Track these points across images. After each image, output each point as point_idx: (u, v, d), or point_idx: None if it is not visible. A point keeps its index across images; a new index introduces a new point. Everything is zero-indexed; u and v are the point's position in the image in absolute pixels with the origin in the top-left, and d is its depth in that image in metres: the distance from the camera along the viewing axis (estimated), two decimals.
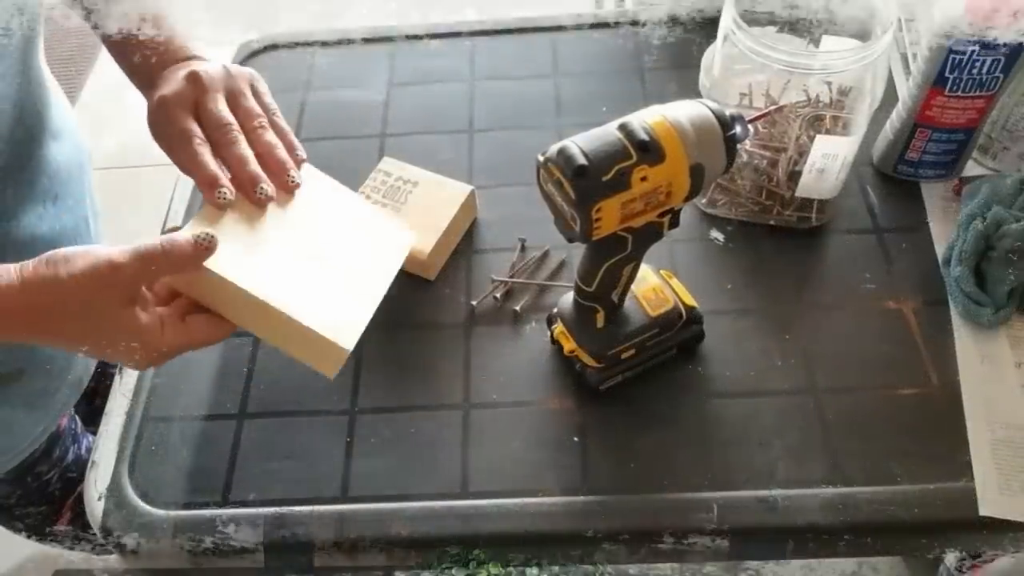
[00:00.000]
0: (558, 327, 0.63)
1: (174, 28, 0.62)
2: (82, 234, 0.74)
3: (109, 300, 0.49)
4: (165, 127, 0.57)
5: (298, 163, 0.60)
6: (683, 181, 0.51)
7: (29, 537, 0.88)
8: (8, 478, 0.75)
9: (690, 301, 0.63)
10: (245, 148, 0.57)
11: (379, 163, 0.75)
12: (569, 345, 0.62)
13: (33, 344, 0.54)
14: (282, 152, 0.59)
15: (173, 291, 0.55)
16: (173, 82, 0.58)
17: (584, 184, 0.49)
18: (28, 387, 0.69)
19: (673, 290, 0.63)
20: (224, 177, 0.56)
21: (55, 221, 0.68)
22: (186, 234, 0.50)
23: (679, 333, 0.63)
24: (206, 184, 0.55)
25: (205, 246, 0.50)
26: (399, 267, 0.64)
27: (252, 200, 0.57)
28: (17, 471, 0.74)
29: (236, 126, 0.57)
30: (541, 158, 0.51)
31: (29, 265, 0.48)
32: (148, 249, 0.49)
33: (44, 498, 0.81)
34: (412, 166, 0.75)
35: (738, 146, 0.53)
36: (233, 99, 0.59)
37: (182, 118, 0.57)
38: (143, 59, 0.61)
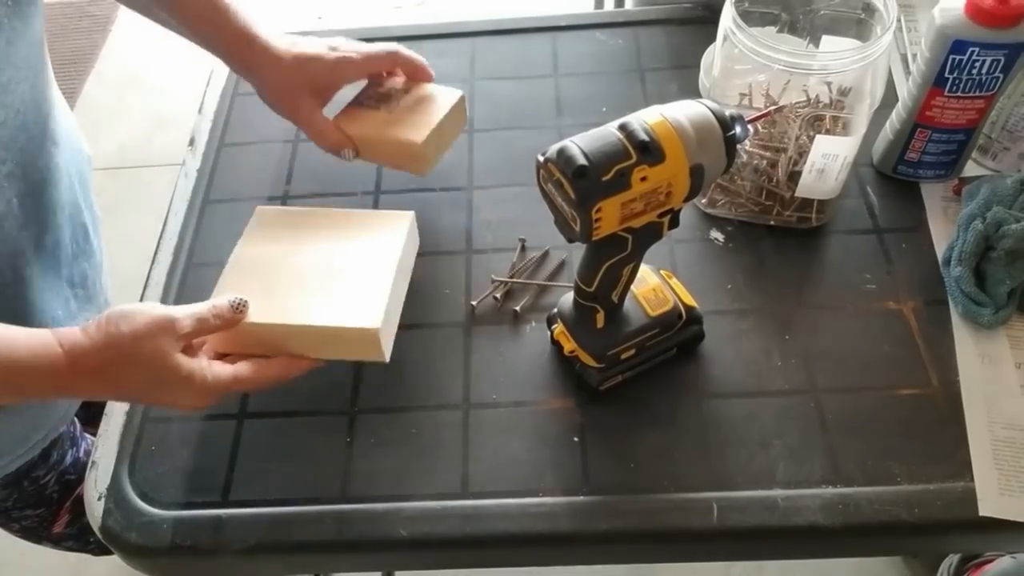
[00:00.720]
0: (558, 327, 0.63)
1: None
2: (79, 243, 0.73)
3: (168, 347, 0.54)
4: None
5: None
6: (683, 181, 0.51)
7: (26, 539, 0.88)
8: (3, 483, 0.75)
9: (690, 301, 0.63)
10: None
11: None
12: (569, 345, 0.62)
13: (89, 397, 0.59)
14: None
15: (218, 353, 0.61)
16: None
17: (584, 184, 0.49)
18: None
19: (673, 290, 0.63)
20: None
21: (58, 232, 0.68)
22: (224, 300, 0.59)
23: (679, 333, 0.63)
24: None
25: (240, 309, 0.59)
26: (403, 242, 0.66)
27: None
28: (14, 476, 0.74)
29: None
30: (541, 158, 0.51)
31: (92, 327, 0.54)
32: (199, 309, 0.58)
33: (42, 501, 0.81)
34: (401, 78, 0.78)
35: (738, 146, 0.53)
36: None
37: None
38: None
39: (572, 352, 0.62)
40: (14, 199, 0.62)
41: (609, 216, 0.51)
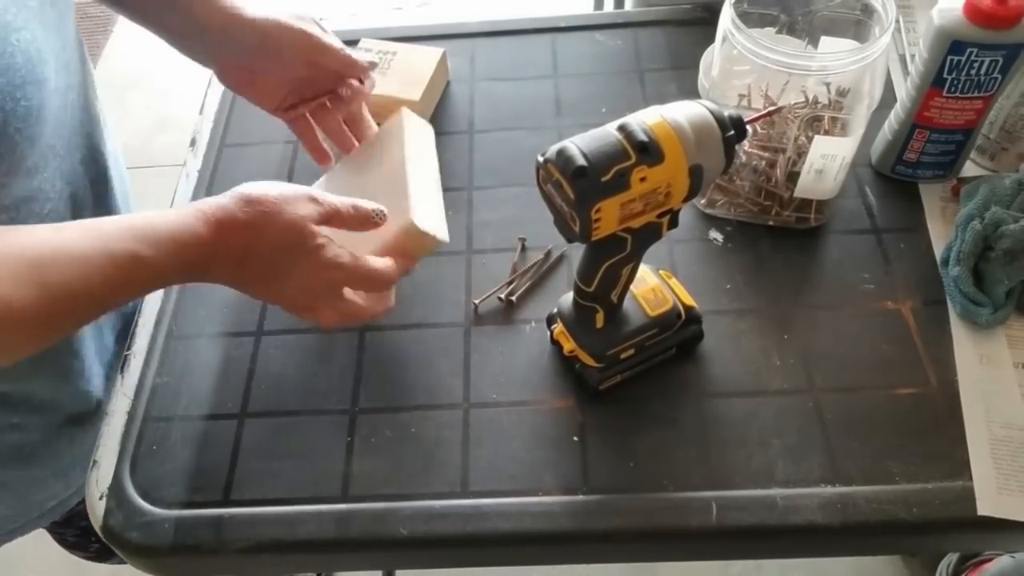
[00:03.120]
0: (558, 327, 0.64)
1: None
2: None
3: (307, 212, 0.54)
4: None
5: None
6: (682, 182, 0.51)
7: (97, 559, 0.89)
8: (60, 520, 0.75)
9: (689, 301, 0.64)
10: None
11: (359, 43, 0.86)
12: (568, 345, 0.63)
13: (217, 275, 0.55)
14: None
15: None
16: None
17: (583, 185, 0.49)
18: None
19: (672, 290, 0.63)
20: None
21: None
22: (368, 205, 0.58)
23: (678, 333, 0.63)
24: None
25: (380, 218, 0.59)
26: (404, 136, 0.69)
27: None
28: (67, 515, 0.75)
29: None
30: (541, 159, 0.52)
31: (226, 196, 0.53)
32: (339, 200, 0.57)
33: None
34: (387, 41, 0.87)
35: (736, 147, 0.53)
36: None
37: None
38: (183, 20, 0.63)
39: (572, 352, 0.63)
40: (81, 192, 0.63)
41: (608, 216, 0.51)
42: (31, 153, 0.55)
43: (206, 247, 0.51)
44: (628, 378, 0.64)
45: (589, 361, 0.62)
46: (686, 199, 0.53)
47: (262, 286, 0.56)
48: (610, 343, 0.61)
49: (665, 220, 0.55)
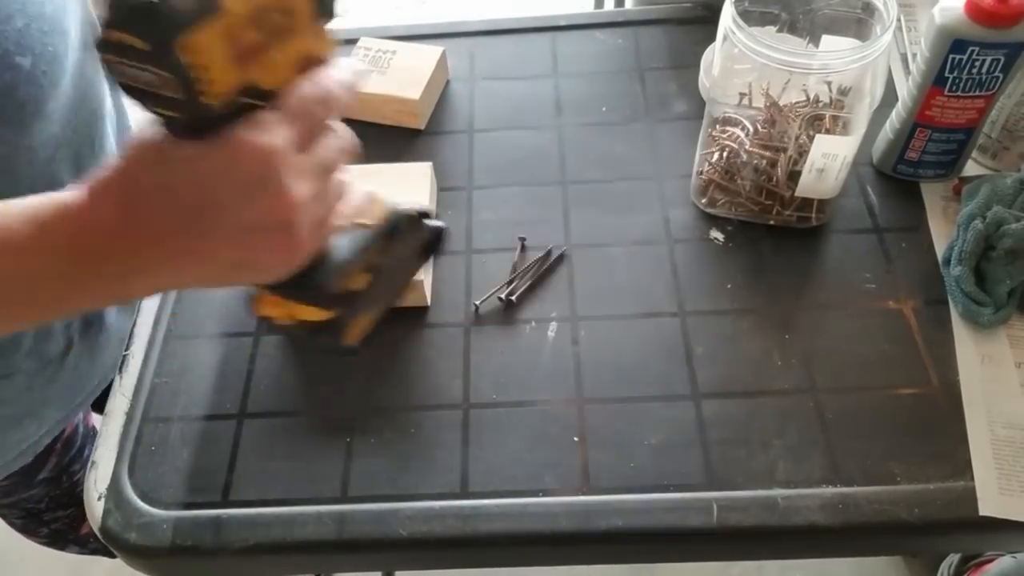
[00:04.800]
0: (262, 298, 0.46)
1: None
2: None
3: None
4: None
5: None
6: None
7: (51, 546, 0.88)
8: (46, 477, 0.75)
9: (410, 202, 0.51)
10: None
11: (358, 42, 0.86)
12: (281, 311, 0.46)
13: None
14: None
15: None
16: None
17: (153, 22, 0.34)
18: (73, 360, 0.69)
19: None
20: None
21: None
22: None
23: (414, 234, 0.51)
24: None
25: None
26: (428, 189, 0.70)
27: None
28: (55, 470, 0.74)
29: None
30: (100, 37, 0.36)
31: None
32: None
33: (73, 500, 0.81)
34: (386, 39, 0.86)
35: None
36: None
37: None
38: None
39: (291, 319, 0.46)
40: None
41: (215, 57, 0.36)
42: (52, 97, 0.57)
43: (75, 216, 0.38)
44: (382, 317, 0.52)
45: (319, 315, 0.47)
46: (320, 19, 0.40)
47: (185, 239, 0.38)
48: (333, 277, 0.46)
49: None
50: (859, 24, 0.65)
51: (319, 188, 0.39)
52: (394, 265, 0.52)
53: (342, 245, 0.46)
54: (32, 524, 0.83)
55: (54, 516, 0.82)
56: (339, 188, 0.42)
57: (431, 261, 0.71)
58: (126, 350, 0.69)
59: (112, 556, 0.86)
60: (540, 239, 0.73)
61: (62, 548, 0.89)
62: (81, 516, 0.83)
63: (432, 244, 0.55)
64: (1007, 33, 0.61)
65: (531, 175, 0.78)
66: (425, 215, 0.52)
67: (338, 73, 0.40)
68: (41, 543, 0.88)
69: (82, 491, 0.79)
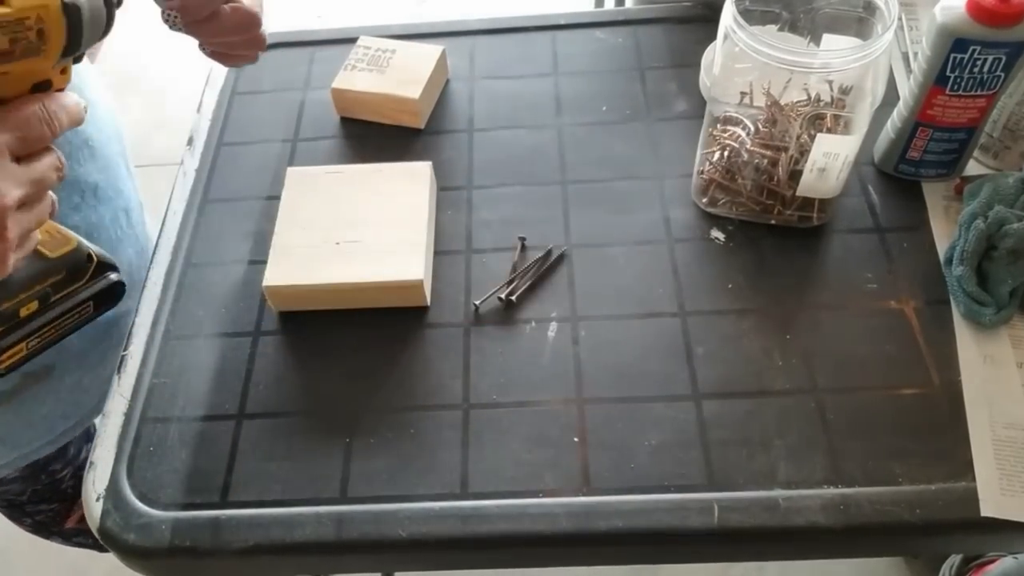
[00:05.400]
0: None
1: None
2: (122, 228, 0.72)
3: None
4: None
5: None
6: (57, 19, 0.41)
7: (36, 533, 0.88)
8: (22, 475, 0.74)
9: (98, 249, 0.53)
10: None
11: (358, 40, 0.86)
12: None
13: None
14: None
15: None
16: None
17: None
18: (59, 383, 0.68)
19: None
20: None
21: (91, 212, 0.67)
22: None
23: (90, 282, 0.52)
24: None
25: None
26: (427, 189, 0.73)
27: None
28: (31, 468, 0.74)
29: None
30: None
31: None
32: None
33: (56, 495, 0.80)
34: (386, 39, 0.86)
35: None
36: None
37: None
38: None
39: None
40: None
41: None
42: None
43: None
44: (37, 348, 0.50)
45: None
46: (66, 53, 0.42)
47: None
48: (1, 296, 0.47)
49: (43, 95, 0.43)
50: (860, 23, 0.65)
51: (30, 199, 0.42)
52: (64, 305, 0.52)
53: (19, 267, 0.46)
54: (16, 513, 0.83)
55: (37, 509, 0.81)
56: (48, 207, 0.44)
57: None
58: (124, 350, 0.69)
59: (102, 550, 0.86)
60: (540, 239, 0.72)
61: (47, 538, 0.89)
62: (64, 511, 0.83)
63: (105, 296, 0.54)
64: (1008, 32, 0.61)
65: (531, 175, 0.78)
66: (109, 266, 0.53)
67: (65, 99, 0.43)
68: (27, 531, 0.88)
69: (66, 487, 0.79)
